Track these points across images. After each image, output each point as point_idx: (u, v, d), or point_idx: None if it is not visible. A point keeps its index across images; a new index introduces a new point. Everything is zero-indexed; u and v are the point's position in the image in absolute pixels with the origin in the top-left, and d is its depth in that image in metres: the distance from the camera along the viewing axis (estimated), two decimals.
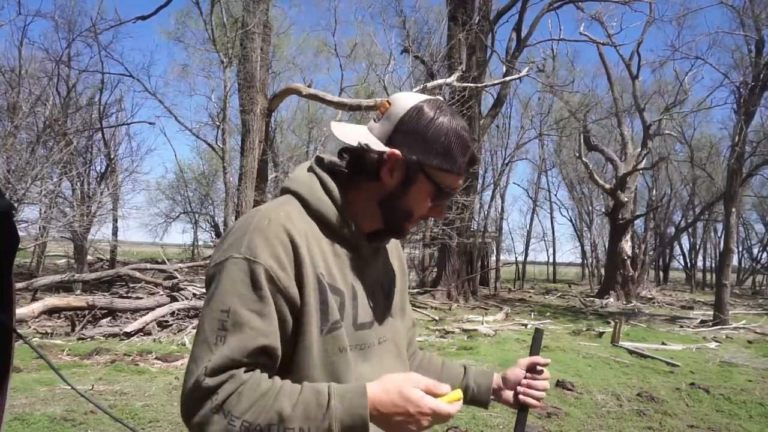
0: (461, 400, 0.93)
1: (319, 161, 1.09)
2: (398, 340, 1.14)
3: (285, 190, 1.06)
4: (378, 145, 1.01)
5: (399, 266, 1.22)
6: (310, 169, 1.07)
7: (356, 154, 1.03)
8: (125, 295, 10.16)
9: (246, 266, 0.91)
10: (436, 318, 11.19)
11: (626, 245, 18.28)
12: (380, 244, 1.12)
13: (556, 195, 35.43)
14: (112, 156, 16.66)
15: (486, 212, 24.42)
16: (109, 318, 8.38)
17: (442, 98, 1.10)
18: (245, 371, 0.88)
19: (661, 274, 34.32)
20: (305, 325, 0.94)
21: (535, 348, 1.20)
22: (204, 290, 8.35)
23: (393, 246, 1.22)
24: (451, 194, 1.05)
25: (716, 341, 9.74)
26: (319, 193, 1.03)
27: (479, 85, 14.10)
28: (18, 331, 1.39)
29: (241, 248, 0.92)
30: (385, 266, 1.16)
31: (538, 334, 1.21)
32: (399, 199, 1.03)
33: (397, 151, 1.00)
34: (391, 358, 1.10)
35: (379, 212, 1.05)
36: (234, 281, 0.90)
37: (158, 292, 9.62)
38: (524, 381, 1.22)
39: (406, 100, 1.04)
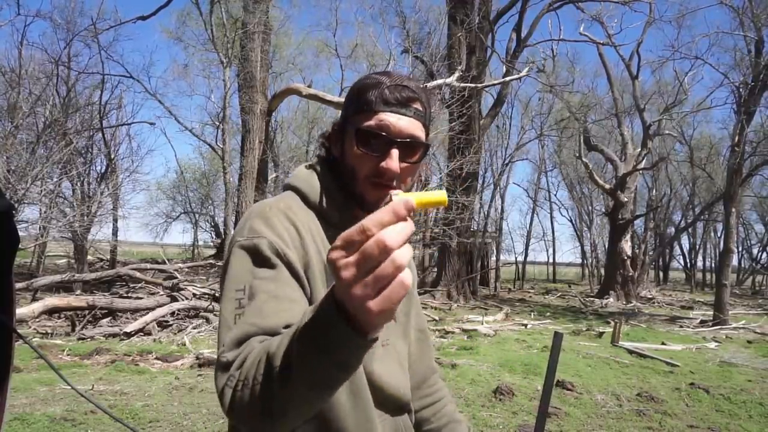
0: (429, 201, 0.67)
1: (321, 159, 1.10)
2: (400, 347, 1.12)
3: (286, 187, 1.08)
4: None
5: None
6: (311, 166, 1.09)
7: (323, 145, 1.09)
8: (125, 295, 10.16)
9: (250, 244, 0.91)
10: (436, 318, 11.20)
11: (626, 245, 18.28)
12: None
13: (556, 195, 35.49)
14: (112, 156, 16.65)
15: (486, 212, 24.44)
16: (109, 318, 8.38)
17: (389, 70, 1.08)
18: (261, 340, 0.80)
19: (661, 274, 34.34)
20: None
21: (554, 352, 1.15)
22: (203, 290, 8.33)
23: None
24: (375, 133, 0.96)
25: (716, 341, 9.74)
26: (317, 187, 1.04)
27: (479, 85, 14.11)
28: (18, 331, 1.39)
29: (244, 232, 0.94)
30: None
31: (557, 338, 1.16)
32: (343, 164, 1.03)
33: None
34: (393, 364, 1.08)
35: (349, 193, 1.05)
36: (242, 262, 0.91)
37: (158, 292, 9.62)
38: None
39: None
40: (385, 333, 1.07)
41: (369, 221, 0.57)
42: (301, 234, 0.95)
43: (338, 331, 0.61)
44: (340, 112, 1.08)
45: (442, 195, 0.68)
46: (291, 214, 0.97)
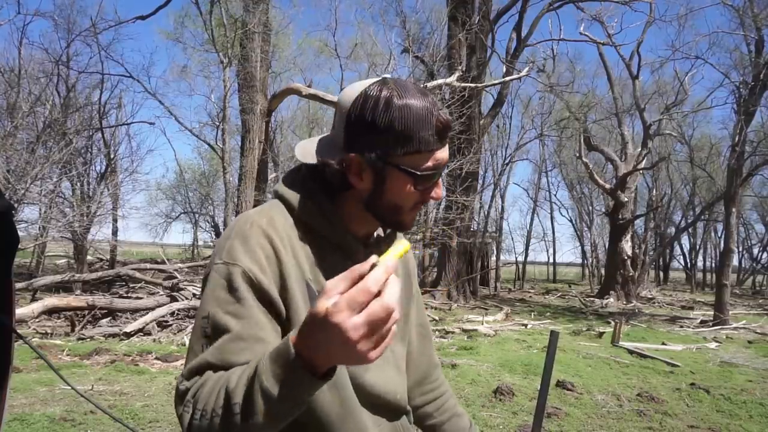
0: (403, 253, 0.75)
1: (308, 166, 1.03)
2: (397, 349, 1.12)
3: (274, 194, 1.03)
4: (334, 155, 0.95)
5: (404, 271, 1.17)
6: (299, 171, 1.03)
7: (323, 170, 0.97)
8: (125, 295, 10.16)
9: (225, 270, 0.89)
10: (436, 318, 11.20)
11: (626, 245, 18.27)
12: (379, 251, 1.03)
13: (556, 195, 35.50)
14: (112, 156, 16.66)
15: (486, 212, 24.45)
16: (109, 318, 8.38)
17: (388, 76, 0.96)
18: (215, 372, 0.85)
19: (661, 274, 34.33)
20: None
21: (551, 350, 1.15)
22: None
23: None
24: (433, 174, 0.94)
25: (716, 341, 9.74)
26: (305, 198, 0.98)
27: (479, 85, 14.10)
28: (18, 331, 1.39)
29: (222, 254, 0.91)
30: None
31: (553, 336, 1.16)
32: (381, 199, 0.95)
33: (354, 155, 0.92)
34: (389, 369, 1.07)
35: (371, 216, 0.99)
36: (214, 287, 0.89)
37: (158, 292, 9.61)
38: None
39: (349, 92, 0.94)
40: None
41: (372, 283, 0.65)
42: (278, 250, 0.92)
43: (301, 379, 0.70)
44: (362, 131, 0.91)
45: (406, 244, 0.79)
46: (271, 231, 0.92)
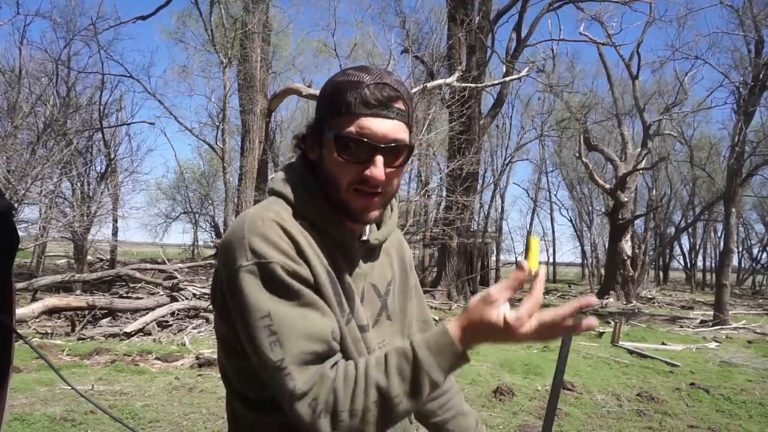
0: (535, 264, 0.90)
1: (302, 159, 1.05)
2: (395, 344, 1.10)
3: (269, 192, 1.03)
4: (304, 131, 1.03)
5: (400, 266, 1.16)
6: (292, 168, 1.04)
7: (298, 149, 1.04)
8: (125, 295, 10.16)
9: (260, 269, 0.87)
10: (437, 318, 11.20)
11: (626, 245, 18.27)
12: (372, 245, 1.05)
13: (556, 195, 35.49)
14: (112, 156, 16.65)
15: (486, 212, 24.48)
16: (109, 318, 8.38)
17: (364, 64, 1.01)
18: (330, 366, 0.87)
19: (661, 274, 34.34)
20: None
21: (563, 353, 1.11)
22: (203, 290, 8.29)
23: (395, 244, 1.17)
24: (356, 140, 0.92)
25: (716, 341, 9.74)
26: (301, 192, 0.99)
27: (479, 85, 14.10)
28: (18, 331, 1.39)
29: (247, 255, 0.88)
30: (381, 268, 1.10)
31: (566, 339, 1.12)
32: (323, 171, 0.97)
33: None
34: None
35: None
36: (257, 287, 0.87)
37: (158, 292, 9.62)
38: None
39: None
40: (381, 334, 1.06)
41: (541, 295, 0.90)
42: (296, 239, 0.92)
43: (461, 366, 0.88)
44: (317, 109, 1.00)
45: (535, 241, 0.92)
46: (284, 224, 0.92)
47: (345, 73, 0.96)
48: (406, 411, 0.85)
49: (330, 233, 0.99)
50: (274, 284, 0.87)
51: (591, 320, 0.84)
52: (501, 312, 0.85)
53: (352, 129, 0.92)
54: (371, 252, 1.07)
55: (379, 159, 0.93)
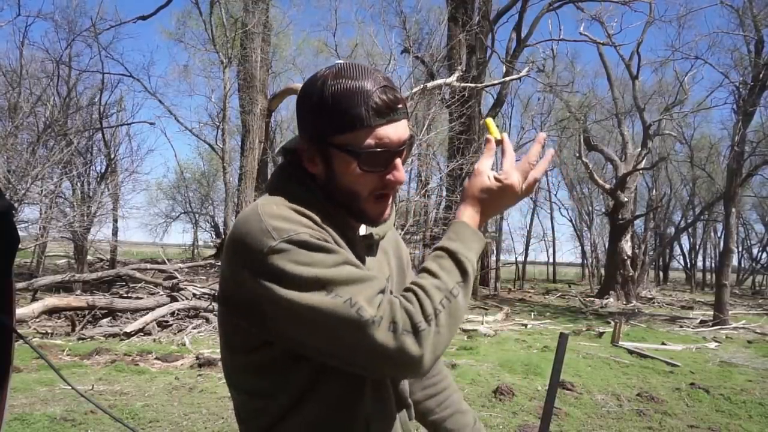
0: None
1: (293, 165, 1.02)
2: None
3: (266, 188, 1.01)
4: (291, 144, 0.99)
5: (397, 264, 1.16)
6: (285, 168, 1.02)
7: (286, 161, 1.00)
8: (125, 295, 10.16)
9: (292, 243, 0.85)
10: None
11: (626, 245, 18.27)
12: (371, 241, 1.05)
13: (556, 195, 35.44)
14: (112, 156, 16.65)
15: None
16: (109, 318, 8.38)
17: (342, 61, 0.96)
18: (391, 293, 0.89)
19: (661, 274, 34.33)
20: None
21: (559, 354, 1.10)
22: (203, 290, 8.27)
23: (392, 242, 1.16)
24: (378, 151, 0.91)
25: (716, 341, 9.74)
26: (299, 189, 0.97)
27: (479, 85, 14.12)
28: (18, 331, 1.39)
29: (272, 235, 0.85)
30: (379, 265, 1.09)
31: (562, 339, 1.10)
32: (334, 184, 0.95)
33: (301, 139, 0.96)
34: None
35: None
36: (294, 261, 0.84)
37: (158, 292, 9.61)
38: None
39: (303, 85, 0.97)
40: None
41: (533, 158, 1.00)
42: (313, 219, 0.91)
43: (481, 242, 0.96)
44: (306, 118, 0.95)
45: (489, 120, 1.07)
46: (294, 207, 0.92)
47: (336, 79, 0.90)
48: (465, 300, 0.90)
49: (332, 229, 0.97)
50: (311, 251, 0.85)
51: (540, 134, 1.01)
52: (489, 175, 0.97)
53: (370, 142, 0.90)
54: (369, 248, 1.07)
55: (398, 161, 0.94)
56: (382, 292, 0.87)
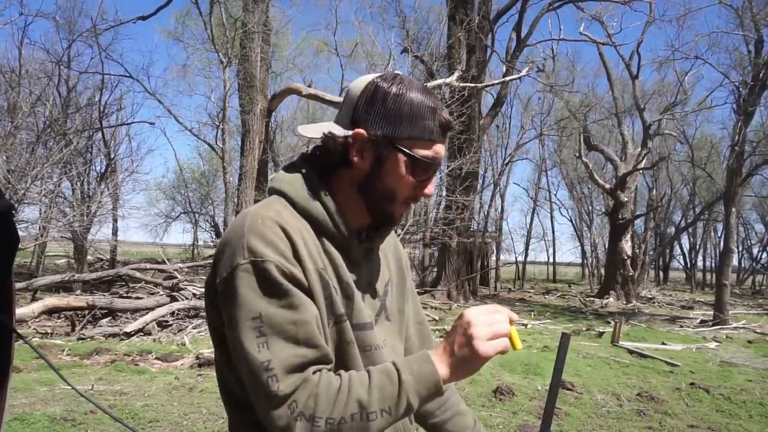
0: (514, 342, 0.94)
1: (304, 158, 1.06)
2: (397, 346, 1.12)
3: (271, 191, 1.03)
4: (341, 131, 0.98)
5: (397, 267, 1.17)
6: (294, 167, 1.04)
7: (326, 147, 1.00)
8: (125, 295, 10.16)
9: (256, 268, 0.88)
10: (436, 318, 11.20)
11: (626, 245, 18.27)
12: (372, 244, 1.07)
13: (556, 195, 35.44)
14: (112, 156, 16.67)
15: (486, 212, 24.44)
16: (109, 318, 8.38)
17: (399, 72, 1.02)
18: (313, 372, 0.87)
19: (661, 274, 34.34)
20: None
21: (561, 354, 1.07)
22: (203, 289, 8.46)
23: (391, 246, 1.18)
24: (430, 164, 0.99)
25: (716, 341, 9.74)
26: (303, 191, 0.99)
27: (479, 85, 14.11)
28: (18, 331, 1.39)
29: (244, 253, 0.89)
30: (379, 268, 1.11)
31: (564, 339, 1.08)
32: (377, 181, 0.99)
33: (360, 130, 0.97)
34: None
35: (363, 203, 1.01)
36: (251, 287, 0.88)
37: (158, 292, 9.62)
38: None
39: (361, 81, 1.01)
40: (383, 333, 1.07)
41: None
42: (293, 239, 0.92)
43: (436, 394, 0.89)
44: (371, 113, 0.97)
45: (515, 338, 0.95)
46: (283, 223, 0.93)
47: (412, 89, 0.98)
48: (378, 429, 0.87)
49: (331, 233, 1.00)
50: (267, 284, 0.88)
51: (511, 314, 0.94)
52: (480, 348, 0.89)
53: (429, 153, 0.98)
54: (370, 252, 1.08)
55: (434, 177, 1.03)
56: (310, 363, 0.87)
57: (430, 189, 1.02)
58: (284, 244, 0.91)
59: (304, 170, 1.02)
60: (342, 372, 0.90)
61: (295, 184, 1.00)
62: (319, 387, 0.85)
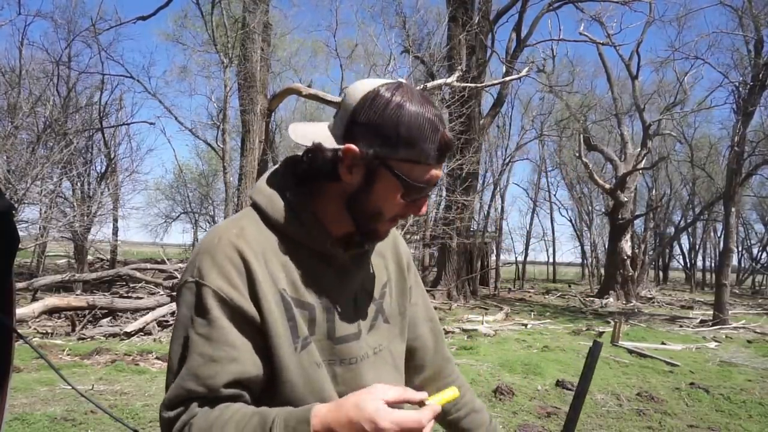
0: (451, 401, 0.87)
1: (288, 163, 1.01)
2: (395, 349, 1.09)
3: (249, 199, 1.01)
4: (332, 143, 0.92)
5: (396, 267, 1.13)
6: (276, 175, 1.00)
7: (314, 155, 0.93)
8: (125, 295, 10.16)
9: (194, 290, 0.89)
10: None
11: (626, 245, 18.28)
12: (359, 251, 1.02)
13: (556, 195, 35.48)
14: (112, 156, 16.67)
15: (486, 212, 24.47)
16: (109, 318, 8.38)
17: (404, 81, 0.96)
18: (200, 404, 0.86)
19: (661, 273, 34.35)
20: (275, 346, 0.90)
21: (591, 363, 1.04)
22: None
23: (390, 245, 1.13)
24: (424, 188, 0.93)
25: (716, 341, 9.74)
26: (279, 203, 0.95)
27: (479, 85, 14.11)
28: (18, 331, 1.39)
29: (193, 271, 0.90)
30: (374, 271, 1.08)
31: (596, 347, 1.05)
32: (364, 199, 0.93)
33: (352, 146, 0.90)
34: (386, 369, 1.05)
35: (349, 215, 0.96)
36: (188, 307, 0.89)
37: (158, 292, 9.62)
38: None
39: (360, 87, 0.93)
40: (377, 339, 1.05)
41: (424, 420, 0.78)
42: (248, 262, 0.89)
43: None
44: (366, 127, 0.90)
45: (455, 392, 0.88)
46: (241, 243, 0.90)
47: (411, 105, 0.90)
48: None
49: (308, 244, 0.97)
50: (199, 309, 0.88)
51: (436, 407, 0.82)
52: (375, 409, 0.78)
53: (423, 177, 0.92)
54: (362, 256, 1.05)
55: (426, 197, 0.97)
56: (198, 399, 0.87)
57: (424, 209, 0.97)
58: (232, 267, 0.89)
59: (285, 180, 0.98)
60: (233, 406, 0.86)
61: (272, 197, 0.96)
62: (196, 417, 0.86)
